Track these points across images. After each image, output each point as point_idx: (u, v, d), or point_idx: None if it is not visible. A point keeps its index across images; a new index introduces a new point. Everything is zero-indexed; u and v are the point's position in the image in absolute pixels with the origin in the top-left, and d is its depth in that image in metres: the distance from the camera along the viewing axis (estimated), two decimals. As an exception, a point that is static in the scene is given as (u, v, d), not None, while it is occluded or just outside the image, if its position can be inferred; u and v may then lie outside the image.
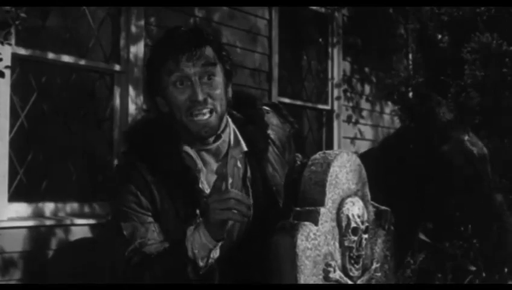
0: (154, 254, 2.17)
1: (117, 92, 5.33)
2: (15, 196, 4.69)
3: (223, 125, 2.27)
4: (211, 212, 2.06)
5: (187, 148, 2.26)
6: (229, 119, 2.34)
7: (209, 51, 2.20)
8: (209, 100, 2.16)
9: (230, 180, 2.17)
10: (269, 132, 2.46)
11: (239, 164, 2.33)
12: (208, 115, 2.17)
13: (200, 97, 2.14)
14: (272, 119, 2.51)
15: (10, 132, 4.65)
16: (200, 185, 2.27)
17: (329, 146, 7.71)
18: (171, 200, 2.23)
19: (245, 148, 2.36)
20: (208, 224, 2.08)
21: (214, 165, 2.29)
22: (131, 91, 5.29)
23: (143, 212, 2.22)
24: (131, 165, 2.24)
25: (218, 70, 2.22)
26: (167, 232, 2.24)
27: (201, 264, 2.11)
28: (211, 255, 2.12)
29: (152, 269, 2.14)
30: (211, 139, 2.26)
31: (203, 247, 2.10)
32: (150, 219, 2.22)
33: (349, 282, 2.48)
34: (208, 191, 2.22)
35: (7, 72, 4.37)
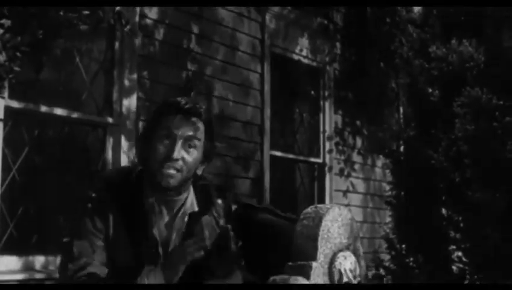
0: (101, 276, 2.35)
1: (109, 145, 5.34)
2: (5, 249, 4.65)
3: (185, 187, 2.49)
4: (179, 270, 2.35)
5: (149, 197, 2.47)
6: (191, 187, 2.56)
7: (200, 126, 2.46)
8: (180, 162, 2.40)
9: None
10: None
11: (185, 219, 2.51)
12: (174, 172, 2.40)
13: (175, 155, 2.38)
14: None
15: (1, 185, 4.64)
16: (153, 229, 2.46)
17: (321, 199, 7.70)
18: (124, 233, 2.41)
19: (196, 209, 2.54)
20: (168, 269, 2.35)
21: (166, 217, 2.49)
22: (124, 143, 5.30)
23: (96, 235, 2.39)
24: (97, 198, 2.46)
25: (200, 146, 2.46)
26: (113, 262, 2.40)
27: None
28: None
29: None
30: (172, 193, 2.46)
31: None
32: (101, 243, 2.39)
33: (342, 338, 2.46)
34: (157, 235, 2.46)
35: (0, 125, 4.39)
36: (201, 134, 2.45)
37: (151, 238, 2.43)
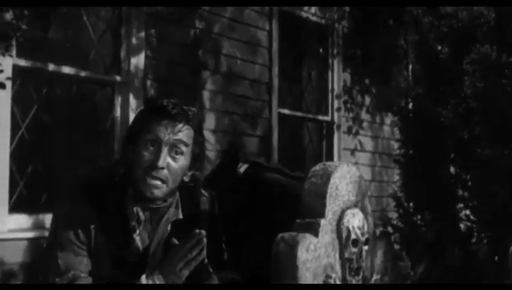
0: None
1: (117, 103, 5.34)
2: (15, 207, 4.68)
3: (170, 195, 2.37)
4: (183, 274, 2.21)
5: (133, 204, 2.35)
6: (177, 192, 2.43)
7: (189, 132, 2.32)
8: (165, 171, 2.27)
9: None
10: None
11: (169, 228, 2.36)
12: (159, 183, 2.27)
13: (160, 163, 2.25)
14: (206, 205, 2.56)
15: (11, 143, 4.65)
16: (135, 236, 2.35)
17: (329, 157, 7.70)
18: (105, 240, 2.31)
19: (180, 215, 2.42)
20: (171, 278, 2.22)
21: (149, 225, 2.37)
22: (132, 101, 5.30)
23: (79, 246, 2.29)
24: (79, 201, 2.32)
25: (187, 153, 2.32)
26: (97, 269, 2.31)
27: None
28: None
29: None
30: (157, 202, 2.35)
31: None
32: (85, 253, 2.30)
33: (350, 294, 2.48)
34: (139, 243, 2.35)
35: (8, 84, 4.38)
36: (189, 139, 2.32)
37: (133, 248, 2.33)
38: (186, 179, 2.37)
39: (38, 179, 4.87)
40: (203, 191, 2.54)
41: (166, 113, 2.28)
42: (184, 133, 2.30)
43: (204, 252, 2.21)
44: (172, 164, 2.28)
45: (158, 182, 2.26)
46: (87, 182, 2.38)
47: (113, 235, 2.30)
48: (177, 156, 2.29)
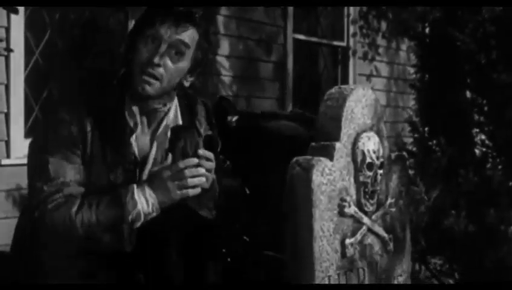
0: (78, 198, 2.14)
1: (131, 27, 5.30)
2: (31, 132, 4.71)
3: (168, 97, 2.30)
4: (171, 191, 2.15)
5: (130, 105, 2.27)
6: (176, 99, 2.36)
7: (192, 33, 2.24)
8: (161, 70, 2.20)
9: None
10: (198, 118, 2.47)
11: (169, 134, 2.26)
12: (152, 80, 2.20)
13: (156, 60, 2.18)
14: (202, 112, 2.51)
15: (25, 68, 4.65)
16: (132, 141, 2.27)
17: (345, 83, 7.67)
18: (101, 144, 2.21)
19: (180, 122, 2.37)
20: (158, 188, 2.15)
21: (147, 130, 2.31)
22: (146, 27, 5.26)
23: (73, 150, 2.17)
24: (74, 104, 2.22)
25: (188, 55, 2.25)
26: (89, 176, 2.20)
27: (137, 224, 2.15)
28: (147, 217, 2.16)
29: (79, 212, 2.11)
30: (153, 102, 2.27)
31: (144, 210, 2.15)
32: (78, 160, 2.18)
33: (364, 217, 2.49)
34: (135, 149, 2.27)
35: (21, 9, 4.35)
36: (191, 41, 2.24)
37: (129, 154, 2.24)
38: (186, 84, 2.33)
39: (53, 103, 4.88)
40: (200, 100, 2.50)
41: (170, 12, 2.22)
42: (187, 34, 2.23)
43: (203, 179, 2.17)
44: (169, 64, 2.21)
45: (151, 79, 2.19)
46: (83, 85, 2.33)
47: (110, 138, 2.21)
48: (176, 56, 2.22)
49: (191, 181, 2.15)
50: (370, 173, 2.47)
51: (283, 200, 2.36)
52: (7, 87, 4.52)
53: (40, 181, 2.14)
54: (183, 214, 2.29)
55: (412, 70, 6.99)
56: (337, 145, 2.40)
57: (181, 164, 2.15)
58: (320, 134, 2.44)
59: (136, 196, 2.13)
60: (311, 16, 7.44)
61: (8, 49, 4.42)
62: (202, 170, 2.17)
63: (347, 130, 2.43)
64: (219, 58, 6.11)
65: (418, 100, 6.47)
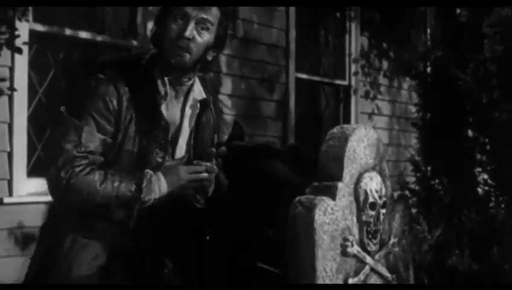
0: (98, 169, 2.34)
1: (134, 68, 5.33)
2: (33, 171, 4.72)
3: (193, 72, 2.53)
4: (182, 188, 2.43)
5: (161, 76, 2.48)
6: (197, 82, 2.60)
7: (214, 10, 2.48)
8: (191, 43, 2.43)
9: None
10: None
11: (198, 106, 2.56)
12: (184, 52, 2.42)
13: (187, 34, 2.41)
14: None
15: (28, 108, 4.67)
16: (162, 109, 2.47)
17: (347, 122, 7.68)
18: (135, 111, 2.40)
19: (204, 96, 2.60)
20: (171, 186, 2.41)
21: (175, 102, 2.52)
22: (149, 67, 5.29)
23: (106, 121, 2.36)
24: (109, 75, 2.41)
25: (212, 30, 2.49)
26: (124, 140, 2.39)
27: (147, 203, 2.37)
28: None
29: (103, 184, 2.32)
30: (182, 76, 2.50)
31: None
32: (109, 130, 2.36)
33: (367, 257, 2.48)
34: (166, 118, 2.47)
35: (25, 49, 4.39)
36: (214, 18, 2.48)
37: (159, 120, 2.44)
38: (209, 58, 2.53)
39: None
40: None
41: None
42: (211, 11, 2.46)
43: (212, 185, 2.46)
44: (198, 37, 2.44)
45: (183, 52, 2.41)
46: (113, 60, 2.53)
47: (143, 105, 2.40)
48: (202, 31, 2.45)
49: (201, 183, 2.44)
50: (373, 213, 2.47)
51: (285, 238, 2.35)
52: (10, 126, 4.54)
53: (70, 144, 2.33)
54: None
55: (413, 108, 7.03)
56: (340, 185, 2.39)
57: (199, 168, 2.43)
58: (323, 174, 2.44)
59: (152, 185, 2.37)
60: (313, 54, 7.49)
61: (12, 89, 4.44)
62: (212, 177, 2.47)
63: (349, 170, 2.44)
64: (222, 97, 6.14)
65: (420, 139, 6.48)
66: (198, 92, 2.59)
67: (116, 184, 2.33)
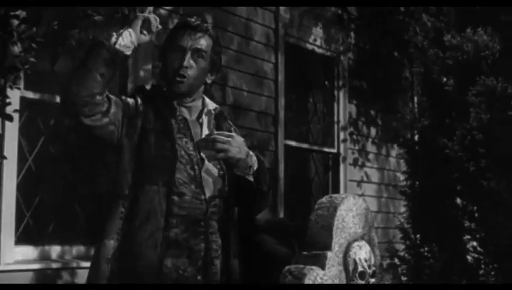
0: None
1: (125, 136, 5.35)
2: (22, 239, 4.69)
3: (195, 94, 2.88)
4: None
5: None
6: (206, 98, 2.95)
7: (206, 40, 2.85)
8: (189, 70, 2.80)
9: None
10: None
11: (213, 117, 2.92)
12: (184, 79, 2.80)
13: (185, 63, 2.79)
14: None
15: (18, 175, 4.67)
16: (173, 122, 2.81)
17: (336, 189, 7.70)
18: (152, 117, 2.77)
19: (216, 106, 2.95)
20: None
21: (187, 114, 2.86)
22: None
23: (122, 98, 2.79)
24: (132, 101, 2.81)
25: (207, 57, 2.86)
26: (143, 144, 2.86)
27: None
28: None
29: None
30: (188, 99, 2.86)
31: None
32: (120, 103, 2.78)
33: (357, 327, 2.47)
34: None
35: (15, 116, 4.41)
36: (207, 47, 2.85)
37: (177, 120, 2.78)
38: (208, 81, 2.90)
39: (45, 210, 4.88)
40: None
41: (189, 26, 2.84)
42: (204, 40, 2.84)
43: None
44: (194, 65, 2.81)
45: (183, 78, 2.79)
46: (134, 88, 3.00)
47: (159, 111, 2.79)
48: (198, 59, 2.82)
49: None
50: (362, 282, 2.47)
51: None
52: (-1, 194, 4.53)
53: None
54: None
55: (402, 176, 7.06)
56: (329, 254, 2.40)
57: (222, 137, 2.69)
58: (312, 242, 2.44)
59: None
60: (302, 122, 7.55)
61: (2, 156, 4.45)
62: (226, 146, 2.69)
63: (338, 239, 2.45)
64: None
65: (409, 207, 6.50)
66: (209, 103, 2.93)
67: None
